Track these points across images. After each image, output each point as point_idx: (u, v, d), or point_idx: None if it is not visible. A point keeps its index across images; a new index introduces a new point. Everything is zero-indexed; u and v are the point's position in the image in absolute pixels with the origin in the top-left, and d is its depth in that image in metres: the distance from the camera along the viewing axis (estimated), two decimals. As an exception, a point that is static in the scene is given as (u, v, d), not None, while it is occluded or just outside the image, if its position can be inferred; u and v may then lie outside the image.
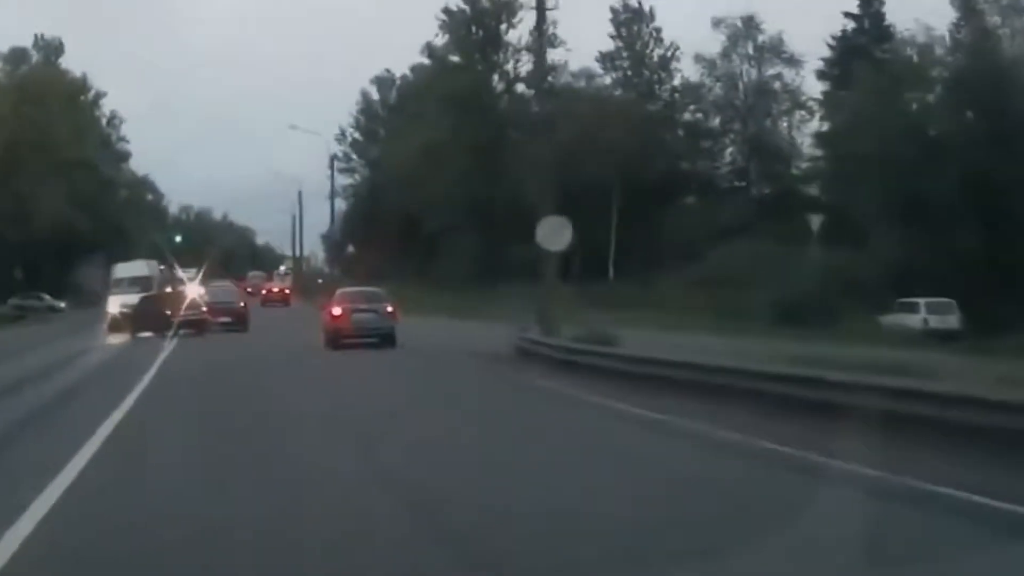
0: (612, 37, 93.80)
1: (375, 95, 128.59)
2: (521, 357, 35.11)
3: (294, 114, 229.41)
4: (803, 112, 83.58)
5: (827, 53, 78.13)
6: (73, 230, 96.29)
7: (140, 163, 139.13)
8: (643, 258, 78.00)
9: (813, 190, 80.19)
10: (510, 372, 31.88)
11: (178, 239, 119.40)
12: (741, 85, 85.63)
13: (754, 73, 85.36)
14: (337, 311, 42.87)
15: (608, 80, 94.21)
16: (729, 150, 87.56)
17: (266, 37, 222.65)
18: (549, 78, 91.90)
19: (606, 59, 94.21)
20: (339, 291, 46.97)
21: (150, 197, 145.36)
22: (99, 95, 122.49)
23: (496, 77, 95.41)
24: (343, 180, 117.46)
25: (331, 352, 41.05)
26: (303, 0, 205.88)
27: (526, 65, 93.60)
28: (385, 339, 42.25)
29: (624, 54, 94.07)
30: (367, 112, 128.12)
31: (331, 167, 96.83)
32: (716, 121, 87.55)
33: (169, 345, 44.53)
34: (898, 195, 59.57)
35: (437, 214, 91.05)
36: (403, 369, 34.00)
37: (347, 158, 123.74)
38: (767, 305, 54.56)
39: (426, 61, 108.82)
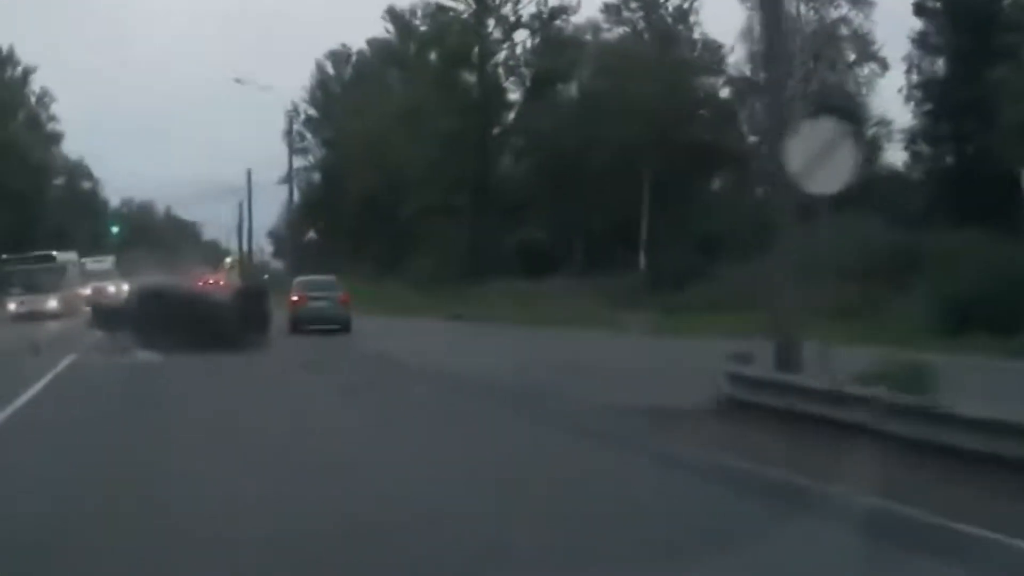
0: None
1: (330, 70, 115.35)
2: (741, 415, 18.34)
3: (246, 103, 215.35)
4: (874, 65, 68.26)
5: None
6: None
7: (75, 148, 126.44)
8: (680, 243, 63.30)
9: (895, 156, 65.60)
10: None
11: (115, 229, 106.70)
12: (799, 32, 70.10)
13: (814, 17, 69.94)
14: (295, 298, 45.98)
15: (615, 35, 78.92)
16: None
17: (216, 27, 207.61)
18: (558, 22, 79.19)
19: (611, 10, 78.65)
20: (296, 280, 49.73)
21: (87, 185, 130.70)
22: (28, 71, 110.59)
23: (492, 23, 79.04)
24: (297, 162, 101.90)
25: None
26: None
27: (528, 7, 78.40)
28: (339, 325, 44.23)
29: (633, 5, 78.42)
30: (323, 87, 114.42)
31: (288, 127, 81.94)
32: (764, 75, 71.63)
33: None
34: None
35: (415, 195, 75.37)
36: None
37: (301, 137, 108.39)
38: (933, 305, 38.51)
39: (388, 31, 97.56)
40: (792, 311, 20.20)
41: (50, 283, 62.54)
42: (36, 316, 58.64)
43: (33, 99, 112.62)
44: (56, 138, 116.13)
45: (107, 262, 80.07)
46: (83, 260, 74.78)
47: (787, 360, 19.35)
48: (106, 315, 41.17)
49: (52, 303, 62.11)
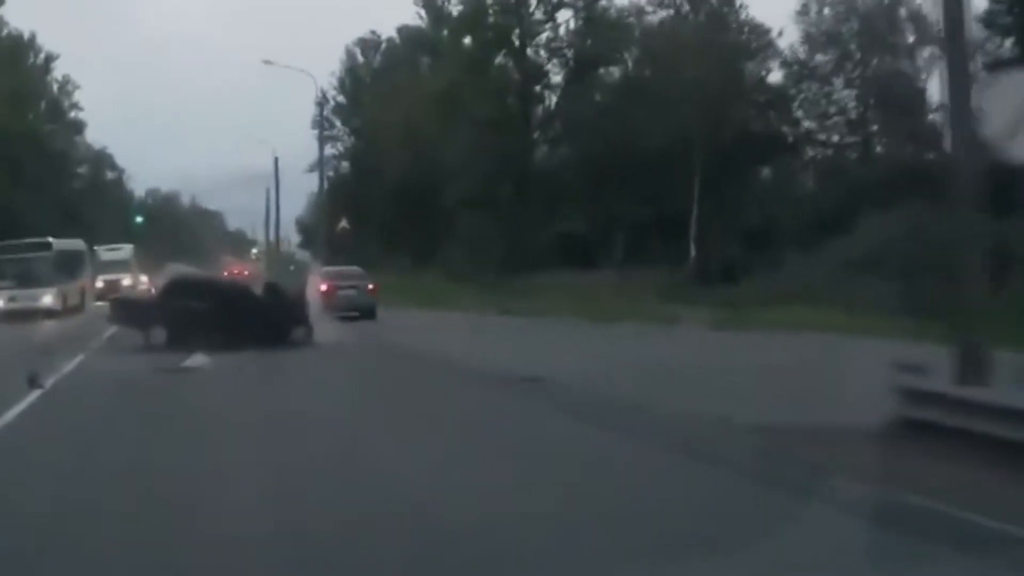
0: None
1: (360, 58, 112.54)
2: (936, 443, 14.26)
3: (273, 91, 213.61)
4: (934, 48, 65.39)
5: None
6: (13, 210, 77.86)
7: (99, 137, 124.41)
8: (731, 235, 60.91)
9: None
10: None
11: (139, 220, 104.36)
12: (858, 11, 67.62)
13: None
14: (324, 287, 47.43)
15: (659, 18, 75.84)
16: (837, 94, 69.25)
17: (242, 14, 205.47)
18: (603, 1, 76.16)
19: (653, -9, 75.46)
20: (324, 269, 53.35)
21: (111, 175, 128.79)
22: (50, 57, 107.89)
23: (533, 2, 75.16)
24: (326, 151, 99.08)
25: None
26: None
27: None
28: (366, 314, 45.95)
29: (676, -15, 75.28)
30: (352, 75, 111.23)
31: (319, 113, 79.33)
32: (819, 59, 69.30)
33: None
34: None
35: (451, 184, 72.29)
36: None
37: (330, 124, 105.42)
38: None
39: (420, 16, 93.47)
40: (979, 311, 16.68)
41: (46, 275, 53.60)
42: (29, 314, 50.23)
43: (55, 87, 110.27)
44: (79, 126, 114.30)
45: (124, 251, 74.15)
46: (96, 249, 68.82)
47: (972, 372, 15.76)
48: (130, 310, 37.13)
49: (47, 298, 53.58)
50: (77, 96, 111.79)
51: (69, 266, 57.19)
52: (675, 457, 14.63)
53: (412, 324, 42.37)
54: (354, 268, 51.71)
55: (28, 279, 52.86)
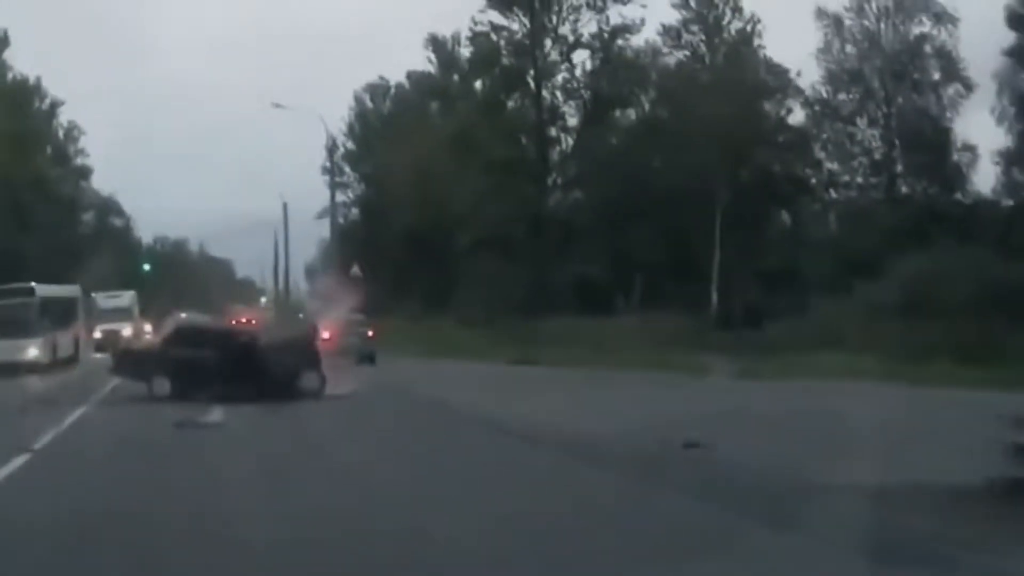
0: (675, 7, 73.94)
1: (369, 104, 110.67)
2: None
3: (280, 136, 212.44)
4: (959, 85, 64.11)
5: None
6: (19, 256, 75.68)
7: (106, 184, 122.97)
8: (752, 279, 59.76)
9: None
10: None
11: (147, 267, 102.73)
12: (881, 48, 66.20)
13: (891, 33, 66.13)
14: (327, 335, 44.15)
15: (674, 59, 74.74)
16: (860, 134, 67.88)
17: (247, 62, 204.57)
18: (619, 42, 75.01)
19: (671, 33, 74.25)
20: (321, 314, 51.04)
21: (118, 222, 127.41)
22: (56, 103, 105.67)
23: (549, 43, 74.38)
24: (336, 197, 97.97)
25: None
26: (287, 23, 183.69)
27: (588, 26, 73.48)
28: (366, 359, 46.90)
29: (694, 28, 74.18)
30: (362, 119, 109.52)
31: (329, 157, 78.71)
32: (843, 96, 67.97)
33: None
34: None
35: (465, 228, 71.52)
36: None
37: (339, 171, 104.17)
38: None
39: (430, 60, 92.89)
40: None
41: (29, 324, 47.38)
42: (9, 369, 43.57)
43: (61, 132, 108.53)
44: (85, 172, 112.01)
45: (124, 298, 69.85)
46: (94, 296, 65.46)
47: None
48: (132, 361, 35.52)
49: (31, 351, 47.21)
50: (83, 142, 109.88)
51: (58, 314, 51.90)
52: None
53: (433, 377, 39.99)
54: (355, 315, 51.41)
55: (8, 329, 46.61)
